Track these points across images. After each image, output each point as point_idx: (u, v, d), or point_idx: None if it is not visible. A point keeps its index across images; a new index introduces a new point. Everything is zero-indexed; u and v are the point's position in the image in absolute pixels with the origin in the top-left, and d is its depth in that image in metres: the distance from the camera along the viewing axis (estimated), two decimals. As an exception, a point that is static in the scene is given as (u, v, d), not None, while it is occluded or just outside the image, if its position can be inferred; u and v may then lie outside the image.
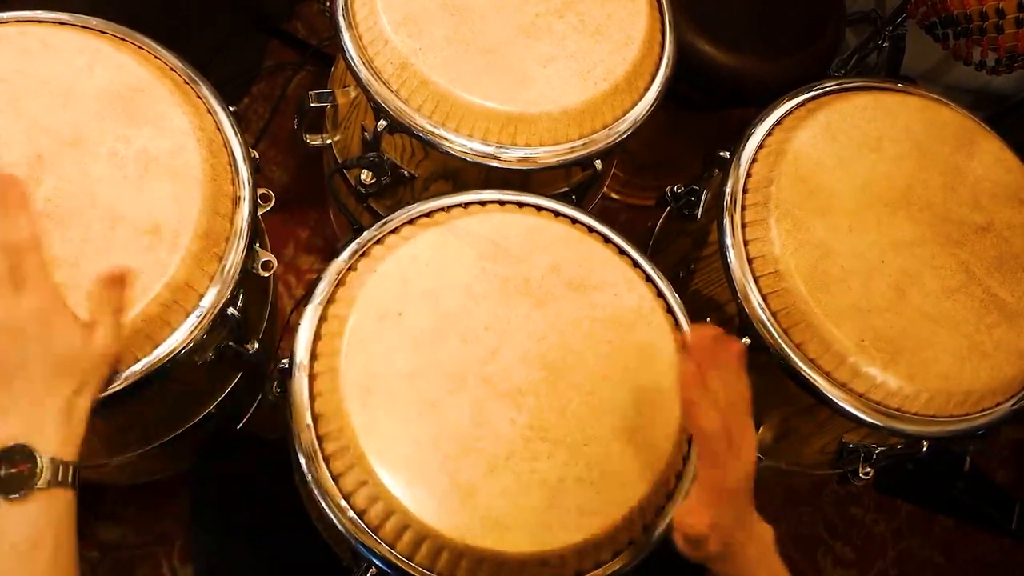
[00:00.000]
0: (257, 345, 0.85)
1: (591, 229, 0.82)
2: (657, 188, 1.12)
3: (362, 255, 0.77)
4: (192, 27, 1.28)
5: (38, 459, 0.56)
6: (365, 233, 0.78)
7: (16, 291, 0.59)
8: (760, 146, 0.91)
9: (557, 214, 0.82)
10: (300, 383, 0.71)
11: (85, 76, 0.75)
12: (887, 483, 1.49)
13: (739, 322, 0.85)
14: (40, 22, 0.77)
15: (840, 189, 0.87)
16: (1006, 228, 0.88)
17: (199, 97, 0.80)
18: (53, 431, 0.58)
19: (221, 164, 0.76)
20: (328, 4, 0.91)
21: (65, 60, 0.75)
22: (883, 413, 0.80)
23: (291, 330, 0.74)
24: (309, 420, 0.69)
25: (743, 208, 0.87)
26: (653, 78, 0.95)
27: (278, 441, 0.72)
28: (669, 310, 0.79)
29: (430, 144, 0.87)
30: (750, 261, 0.85)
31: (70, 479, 0.58)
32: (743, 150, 0.90)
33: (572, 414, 0.70)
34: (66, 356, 0.60)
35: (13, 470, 0.55)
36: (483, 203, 0.82)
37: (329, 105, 0.98)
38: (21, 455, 0.56)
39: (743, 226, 0.86)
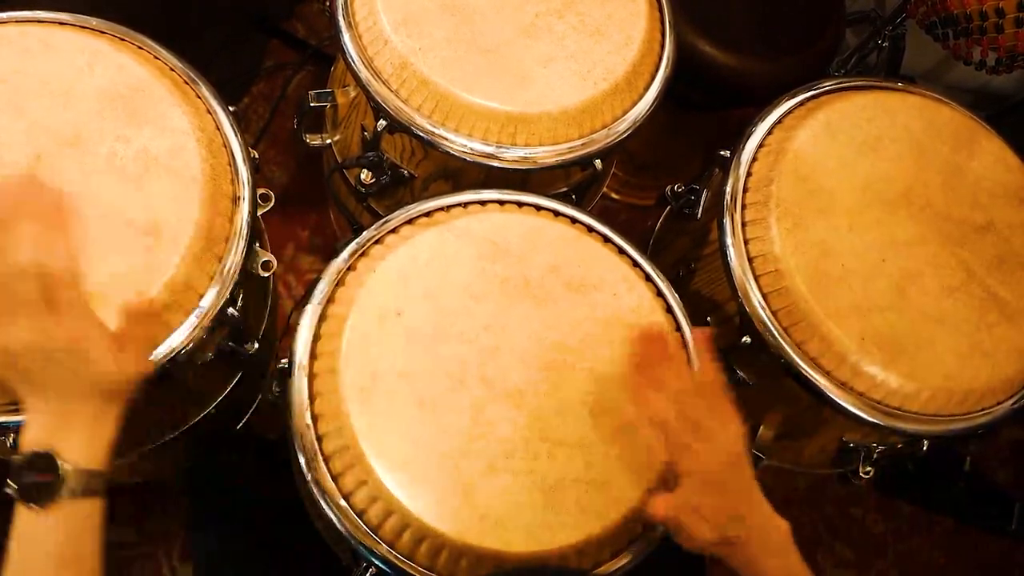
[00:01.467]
0: (257, 345, 0.85)
1: (591, 229, 0.82)
2: (657, 188, 1.13)
3: (361, 255, 0.77)
4: (192, 27, 1.28)
5: (61, 468, 0.56)
6: (364, 233, 0.78)
7: (50, 314, 0.57)
8: (760, 145, 0.91)
9: (557, 214, 0.82)
10: (299, 383, 0.71)
11: (85, 76, 0.75)
12: (887, 483, 1.48)
13: (739, 321, 0.85)
14: (40, 22, 0.77)
15: (840, 188, 0.86)
16: (1006, 227, 0.88)
17: (199, 97, 0.80)
18: (79, 441, 0.57)
19: (221, 164, 0.76)
20: (328, 4, 0.91)
21: (65, 60, 0.75)
22: (883, 412, 0.80)
23: (291, 330, 0.74)
24: (308, 420, 0.69)
25: (743, 207, 0.87)
26: (653, 78, 0.94)
27: (278, 441, 0.72)
28: (669, 310, 0.79)
29: (430, 144, 0.87)
30: (750, 260, 0.84)
31: (96, 489, 0.57)
32: (743, 149, 0.90)
33: (571, 414, 0.70)
34: (97, 378, 0.59)
35: (37, 478, 0.55)
36: (483, 203, 0.82)
37: (329, 105, 0.98)
38: (45, 463, 0.55)
39: (743, 225, 0.86)
